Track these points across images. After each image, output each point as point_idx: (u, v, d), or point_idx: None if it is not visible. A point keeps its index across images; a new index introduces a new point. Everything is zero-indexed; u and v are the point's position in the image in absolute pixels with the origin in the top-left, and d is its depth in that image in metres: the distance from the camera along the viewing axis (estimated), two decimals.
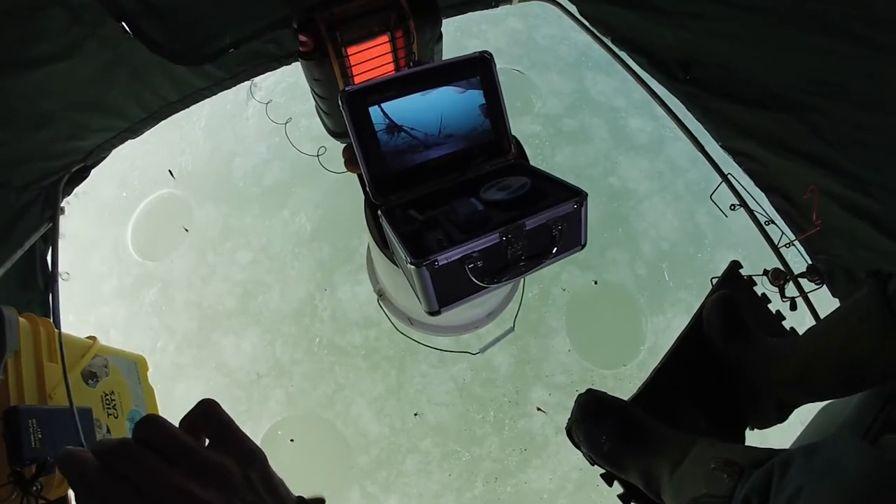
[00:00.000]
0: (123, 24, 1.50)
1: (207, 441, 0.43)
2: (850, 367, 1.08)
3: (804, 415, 1.38)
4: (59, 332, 1.67)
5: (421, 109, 1.27)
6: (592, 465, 1.31)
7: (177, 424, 0.42)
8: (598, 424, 1.24)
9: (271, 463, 0.46)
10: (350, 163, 1.60)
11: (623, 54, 2.18)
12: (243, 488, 0.41)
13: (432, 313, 1.16)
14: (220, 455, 0.41)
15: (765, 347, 1.30)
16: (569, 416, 1.34)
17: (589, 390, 1.32)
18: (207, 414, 0.43)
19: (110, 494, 0.35)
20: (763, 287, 1.65)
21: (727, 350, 1.37)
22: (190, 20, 1.62)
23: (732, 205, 1.93)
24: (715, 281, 1.62)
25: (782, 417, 1.32)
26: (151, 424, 0.39)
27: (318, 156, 2.39)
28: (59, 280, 1.85)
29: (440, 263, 1.08)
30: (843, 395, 1.22)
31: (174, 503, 0.36)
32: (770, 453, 0.91)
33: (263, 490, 0.42)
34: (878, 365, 1.03)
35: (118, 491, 0.35)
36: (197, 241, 4.12)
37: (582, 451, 1.30)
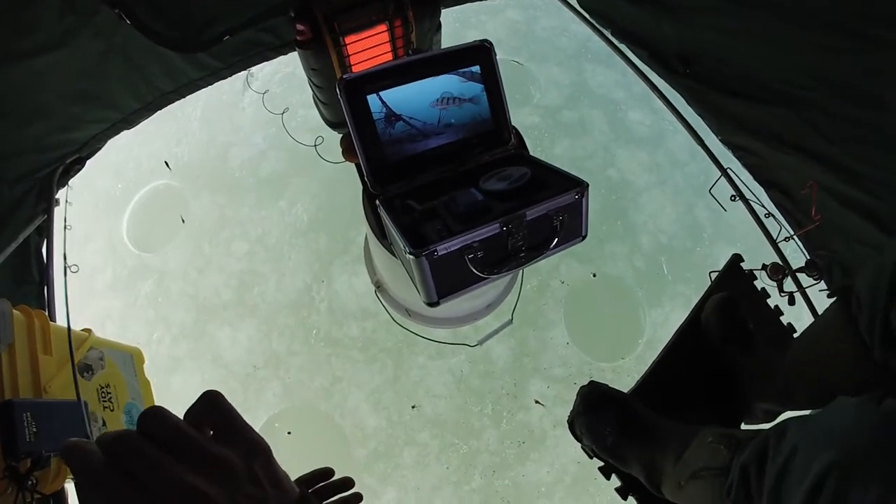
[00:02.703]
0: (118, 11, 1.47)
1: (212, 433, 0.43)
2: (830, 387, 1.09)
3: None
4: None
5: (420, 98, 1.25)
6: (591, 458, 1.31)
7: (181, 416, 0.42)
8: (600, 417, 1.24)
9: None
10: (348, 152, 1.59)
11: (623, 47, 2.16)
12: (247, 482, 0.40)
13: (431, 304, 1.15)
14: (224, 448, 0.40)
15: (756, 363, 1.33)
16: (568, 408, 1.34)
17: (591, 382, 1.32)
18: (212, 405, 0.43)
19: (111, 487, 0.35)
20: (762, 282, 1.65)
21: (723, 354, 1.39)
22: (186, 7, 1.59)
23: (732, 196, 1.93)
24: (714, 275, 1.62)
25: (770, 420, 1.35)
26: (155, 416, 0.39)
27: (315, 146, 2.37)
28: (67, 272, 1.83)
29: (440, 254, 1.07)
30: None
31: (175, 497, 0.36)
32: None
33: (267, 484, 0.42)
34: (856, 382, 1.04)
35: (119, 483, 0.35)
36: (193, 232, 4.10)
37: (583, 444, 1.30)
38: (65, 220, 1.96)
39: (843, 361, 1.03)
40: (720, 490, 0.91)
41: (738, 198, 1.93)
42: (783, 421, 0.86)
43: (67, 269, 1.85)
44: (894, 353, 0.89)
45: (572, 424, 1.32)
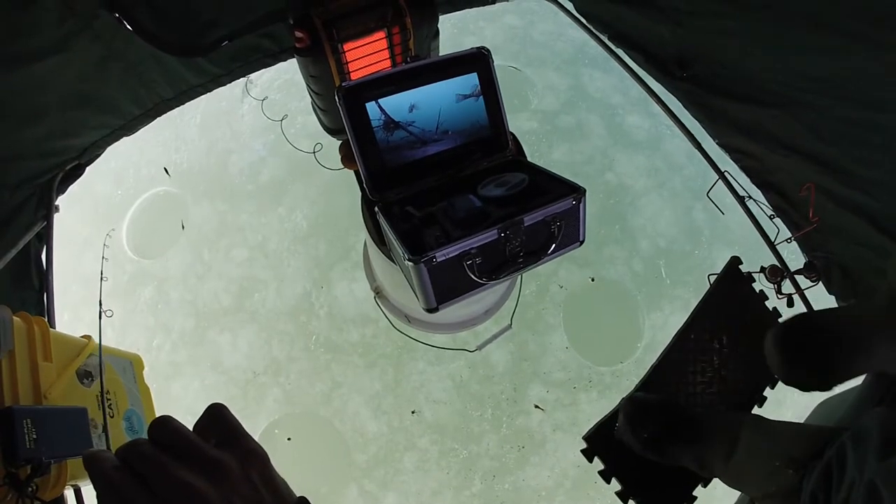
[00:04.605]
0: (117, 15, 1.48)
1: (214, 442, 0.46)
2: None
3: (801, 409, 1.39)
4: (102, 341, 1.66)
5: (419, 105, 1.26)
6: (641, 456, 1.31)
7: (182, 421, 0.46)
8: (646, 428, 1.29)
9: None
10: (347, 159, 1.60)
11: (620, 51, 2.17)
12: (243, 485, 0.43)
13: (430, 310, 1.15)
14: (223, 453, 0.44)
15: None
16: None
17: (630, 398, 1.35)
18: (215, 416, 0.48)
19: (122, 488, 0.39)
20: (760, 284, 1.66)
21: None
22: (185, 11, 1.60)
23: (742, 197, 1.91)
24: (713, 278, 1.62)
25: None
26: (161, 424, 0.44)
27: (314, 153, 2.37)
28: (102, 317, 1.85)
29: (438, 260, 1.07)
30: None
31: (176, 496, 0.39)
32: (818, 438, 1.00)
33: (263, 488, 0.44)
34: None
35: (129, 485, 0.40)
36: (192, 238, 4.10)
37: (637, 453, 1.32)
38: (101, 272, 2.02)
39: None
40: None
41: (750, 197, 1.90)
42: (842, 441, 0.92)
43: (103, 314, 1.87)
44: None
45: (621, 441, 1.34)
